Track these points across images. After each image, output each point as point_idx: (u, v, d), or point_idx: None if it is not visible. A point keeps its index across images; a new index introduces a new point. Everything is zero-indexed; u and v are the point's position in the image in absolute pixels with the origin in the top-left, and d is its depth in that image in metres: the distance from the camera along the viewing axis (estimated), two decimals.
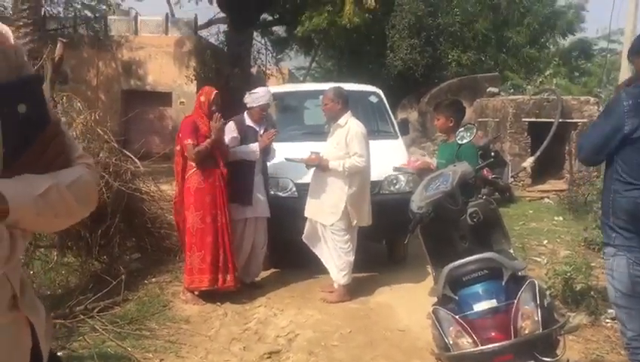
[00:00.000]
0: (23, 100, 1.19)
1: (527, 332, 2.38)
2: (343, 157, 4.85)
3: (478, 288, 2.58)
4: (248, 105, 5.17)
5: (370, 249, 5.73)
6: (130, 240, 5.59)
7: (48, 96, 6.09)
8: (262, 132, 5.19)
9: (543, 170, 10.91)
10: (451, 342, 2.47)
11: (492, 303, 2.51)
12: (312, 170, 5.05)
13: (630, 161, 2.39)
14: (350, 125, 4.92)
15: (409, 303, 4.76)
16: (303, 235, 5.15)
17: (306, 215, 5.10)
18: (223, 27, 20.07)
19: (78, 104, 5.54)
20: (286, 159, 5.24)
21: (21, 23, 9.82)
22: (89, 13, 19.54)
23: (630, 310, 2.37)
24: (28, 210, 1.17)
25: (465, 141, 3.67)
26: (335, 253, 4.99)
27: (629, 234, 2.35)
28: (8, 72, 1.23)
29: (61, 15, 19.62)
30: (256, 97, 5.13)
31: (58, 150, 1.30)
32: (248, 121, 5.19)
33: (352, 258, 4.98)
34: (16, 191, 1.15)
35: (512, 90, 14.17)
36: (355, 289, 5.08)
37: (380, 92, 6.96)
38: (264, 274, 5.61)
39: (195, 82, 17.33)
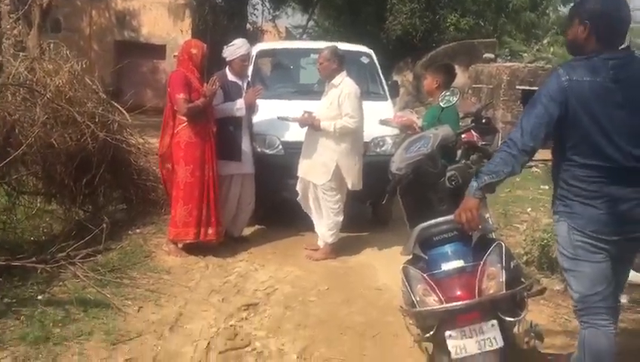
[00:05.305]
0: None
1: (491, 292, 2.46)
2: (335, 117, 4.84)
3: (448, 248, 2.65)
4: (228, 59, 5.13)
5: (355, 209, 5.78)
6: (115, 191, 5.61)
7: (35, 42, 6.02)
8: (245, 86, 5.17)
9: None
10: (418, 299, 2.54)
11: (460, 263, 2.59)
12: (305, 128, 5.05)
13: None
14: (344, 85, 4.90)
15: (389, 263, 4.78)
16: (298, 196, 5.18)
17: (298, 174, 5.12)
18: None
19: (66, 52, 5.46)
20: (278, 118, 5.23)
21: None
22: None
23: (574, 272, 2.48)
24: None
25: (448, 105, 3.67)
26: (324, 212, 5.03)
27: (568, 201, 2.45)
28: None
29: None
30: (234, 49, 5.10)
31: None
32: (230, 76, 5.15)
33: (340, 218, 5.03)
34: None
35: (509, 57, 14.04)
36: (337, 248, 5.14)
37: (372, 52, 6.88)
38: (248, 230, 5.66)
39: (190, 35, 17.05)
